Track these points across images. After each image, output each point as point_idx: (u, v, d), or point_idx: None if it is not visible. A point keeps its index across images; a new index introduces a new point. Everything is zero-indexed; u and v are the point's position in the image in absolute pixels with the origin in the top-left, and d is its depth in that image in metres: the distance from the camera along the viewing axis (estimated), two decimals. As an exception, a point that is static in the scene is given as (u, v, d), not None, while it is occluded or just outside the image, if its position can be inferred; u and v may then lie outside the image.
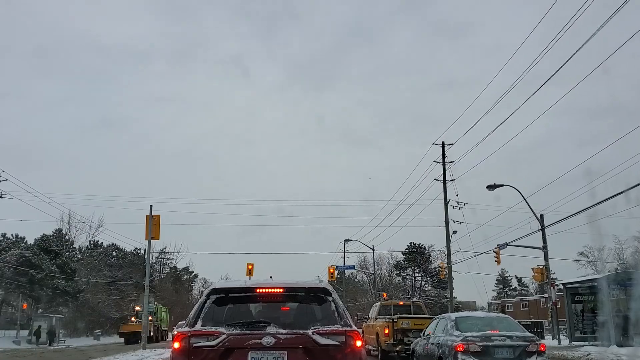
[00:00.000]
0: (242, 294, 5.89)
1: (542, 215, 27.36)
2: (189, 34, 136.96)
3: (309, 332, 5.28)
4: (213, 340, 5.21)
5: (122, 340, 45.20)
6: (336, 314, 5.59)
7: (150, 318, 35.52)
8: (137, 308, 48.00)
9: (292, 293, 5.83)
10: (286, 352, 5.17)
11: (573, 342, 21.92)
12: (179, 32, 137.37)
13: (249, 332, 5.29)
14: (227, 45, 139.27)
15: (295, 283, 6.00)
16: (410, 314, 20.54)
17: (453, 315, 13.31)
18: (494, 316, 14.10)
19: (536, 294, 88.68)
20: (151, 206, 25.92)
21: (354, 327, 5.55)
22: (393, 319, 18.59)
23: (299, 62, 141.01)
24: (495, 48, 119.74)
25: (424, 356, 13.16)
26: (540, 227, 26.90)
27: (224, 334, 5.24)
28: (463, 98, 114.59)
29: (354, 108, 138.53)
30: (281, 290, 5.78)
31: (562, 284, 27.80)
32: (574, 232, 32.30)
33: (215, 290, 5.87)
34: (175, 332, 5.81)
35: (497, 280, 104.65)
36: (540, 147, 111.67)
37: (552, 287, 26.11)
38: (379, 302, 24.78)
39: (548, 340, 29.49)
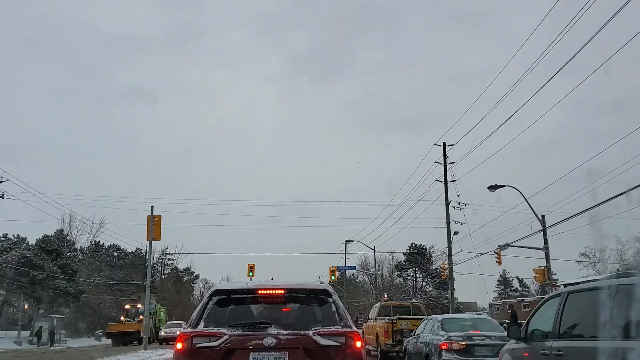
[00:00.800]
0: (244, 295, 6.00)
1: (543, 216, 27.32)
2: (187, 25, 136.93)
3: (310, 333, 5.39)
4: (215, 340, 5.31)
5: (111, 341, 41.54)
6: (336, 315, 5.69)
7: (141, 317, 34.82)
8: (126, 307, 45.88)
9: (293, 294, 5.94)
10: (287, 353, 5.27)
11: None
12: (177, 23, 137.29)
13: (250, 332, 5.39)
14: (227, 37, 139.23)
15: (296, 284, 6.14)
16: (410, 315, 20.87)
17: (440, 317, 14.22)
18: (477, 318, 15.06)
19: (538, 295, 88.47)
20: (152, 207, 25.96)
21: (354, 328, 5.66)
22: (392, 320, 19.06)
23: (301, 54, 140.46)
24: (506, 40, 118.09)
25: (414, 354, 14.04)
26: (541, 228, 26.87)
27: (226, 334, 5.33)
28: (468, 94, 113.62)
29: (357, 104, 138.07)
30: (282, 291, 5.88)
31: (564, 284, 27.82)
32: (576, 232, 32.28)
33: (217, 292, 5.97)
34: (178, 333, 5.88)
35: (498, 281, 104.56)
36: (549, 145, 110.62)
37: (553, 288, 26.08)
38: (379, 303, 25.23)
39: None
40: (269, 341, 5.26)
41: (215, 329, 5.42)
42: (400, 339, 18.15)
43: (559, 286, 27.06)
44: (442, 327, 12.95)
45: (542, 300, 7.29)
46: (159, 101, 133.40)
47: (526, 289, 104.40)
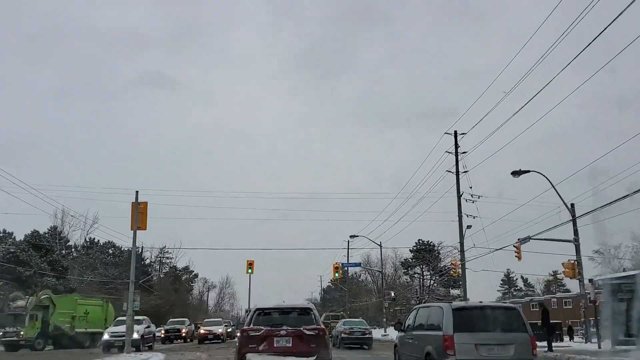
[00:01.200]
0: (271, 310, 11.32)
1: (572, 205, 24.55)
2: (187, 24, 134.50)
3: (301, 328, 10.69)
4: (258, 332, 10.60)
5: None
6: (314, 320, 11.06)
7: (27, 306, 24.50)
8: None
9: (294, 309, 11.50)
10: (291, 337, 10.52)
11: (616, 347, 19.16)
12: (177, 22, 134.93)
13: (274, 328, 10.64)
14: (227, 36, 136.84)
15: (295, 304, 12.04)
16: (338, 319, 38.06)
17: (342, 320, 33.58)
18: (357, 320, 33.73)
19: (543, 295, 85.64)
20: (137, 192, 22.73)
21: (322, 326, 11.07)
22: (330, 322, 37.30)
23: (302, 52, 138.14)
24: (513, 35, 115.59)
25: (335, 336, 30.35)
26: (571, 218, 24.14)
27: (262, 329, 10.64)
28: (473, 91, 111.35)
29: (359, 101, 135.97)
30: (289, 308, 11.56)
31: (589, 280, 25.04)
32: (589, 229, 29.49)
33: (258, 309, 11.30)
34: (240, 329, 11.73)
35: (502, 280, 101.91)
36: (562, 136, 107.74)
37: (590, 284, 23.29)
38: (324, 314, 44.79)
39: (581, 344, 26.68)
40: (282, 332, 10.55)
41: (257, 327, 10.71)
42: (330, 331, 30.42)
43: (592, 282, 24.25)
44: (343, 324, 30.72)
45: (412, 309, 13.89)
46: (158, 99, 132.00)
47: (531, 289, 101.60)
